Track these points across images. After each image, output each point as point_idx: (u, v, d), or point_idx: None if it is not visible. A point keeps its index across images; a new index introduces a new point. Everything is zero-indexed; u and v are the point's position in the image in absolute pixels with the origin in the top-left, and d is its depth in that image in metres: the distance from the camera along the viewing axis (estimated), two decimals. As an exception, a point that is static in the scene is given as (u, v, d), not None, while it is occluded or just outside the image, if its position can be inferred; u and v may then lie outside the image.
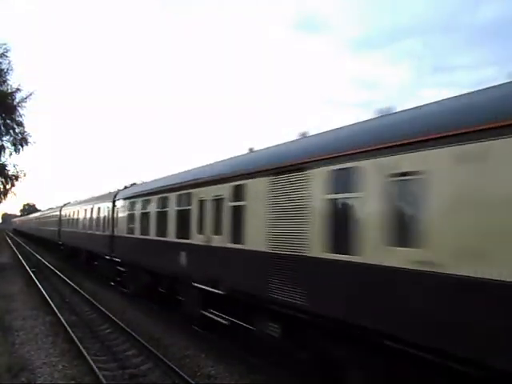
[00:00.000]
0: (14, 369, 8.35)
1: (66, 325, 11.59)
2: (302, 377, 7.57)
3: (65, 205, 33.31)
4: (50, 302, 14.73)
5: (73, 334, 10.67)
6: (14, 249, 42.58)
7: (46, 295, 15.92)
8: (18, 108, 28.96)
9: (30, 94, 29.23)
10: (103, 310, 13.59)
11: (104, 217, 19.55)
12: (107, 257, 18.41)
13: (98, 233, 20.39)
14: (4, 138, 29.17)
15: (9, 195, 33.58)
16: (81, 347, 9.66)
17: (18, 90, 28.69)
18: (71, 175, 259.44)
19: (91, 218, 22.05)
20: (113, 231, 17.98)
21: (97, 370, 8.22)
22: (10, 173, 31.14)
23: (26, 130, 29.65)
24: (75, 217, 26.70)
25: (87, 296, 16.01)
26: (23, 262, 28.55)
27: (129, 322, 12.29)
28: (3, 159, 30.08)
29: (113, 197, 18.77)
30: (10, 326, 11.83)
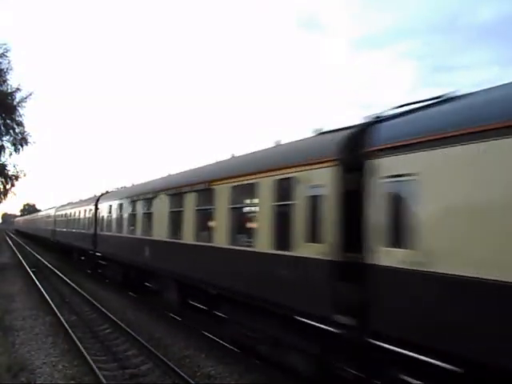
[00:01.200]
0: (13, 369, 8.35)
1: (66, 325, 11.60)
2: (301, 377, 7.55)
3: (102, 195, 21.79)
4: (50, 301, 14.73)
5: (73, 334, 10.67)
6: (14, 249, 42.61)
7: (45, 295, 15.93)
8: (18, 108, 29.01)
9: (30, 94, 29.29)
10: (103, 310, 13.59)
11: (313, 211, 6.77)
12: (325, 327, 6.29)
13: (245, 249, 8.58)
14: (4, 138, 29.22)
15: (9, 195, 33.61)
16: (81, 347, 9.67)
17: (17, 89, 28.75)
18: (71, 175, 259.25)
19: (208, 215, 10.12)
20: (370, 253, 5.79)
21: (97, 370, 8.23)
22: (10, 173, 31.17)
23: (25, 129, 29.71)
24: (140, 211, 14.61)
25: (87, 296, 16.01)
26: (23, 261, 28.56)
27: (129, 322, 12.30)
28: (3, 159, 30.12)
29: (338, 148, 6.48)
30: (10, 326, 11.83)
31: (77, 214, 26.18)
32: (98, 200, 21.45)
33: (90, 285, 19.63)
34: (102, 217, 19.85)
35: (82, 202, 26.62)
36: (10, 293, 17.01)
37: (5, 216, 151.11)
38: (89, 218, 22.54)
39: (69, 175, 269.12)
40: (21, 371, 8.35)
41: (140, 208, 14.65)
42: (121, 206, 17.01)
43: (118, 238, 16.85)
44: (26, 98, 29.04)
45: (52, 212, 38.90)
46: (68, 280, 20.26)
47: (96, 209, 21.16)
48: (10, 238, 72.17)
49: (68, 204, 32.42)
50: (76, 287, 18.24)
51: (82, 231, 23.74)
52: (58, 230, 32.96)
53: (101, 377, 7.95)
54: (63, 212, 32.02)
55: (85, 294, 16.38)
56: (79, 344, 9.89)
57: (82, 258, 24.51)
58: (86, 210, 23.70)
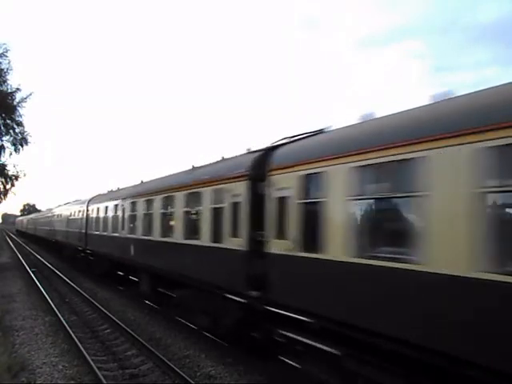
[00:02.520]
0: (13, 369, 8.34)
1: (66, 325, 11.60)
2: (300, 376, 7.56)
3: (223, 161, 10.54)
4: (50, 302, 14.73)
5: (73, 334, 10.67)
6: (14, 249, 42.60)
7: (45, 295, 15.92)
8: (18, 108, 28.94)
9: (30, 94, 29.24)
10: (103, 310, 13.59)
11: None
12: None
13: None
14: (4, 138, 29.11)
15: (9, 195, 33.45)
16: (81, 347, 9.67)
17: (17, 89, 28.69)
18: (71, 175, 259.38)
19: None
20: None
21: (97, 370, 8.23)
22: (10, 173, 31.07)
23: (25, 129, 29.65)
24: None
25: (87, 296, 16.01)
26: (23, 261, 28.56)
27: (129, 322, 12.31)
28: (3, 159, 30.01)
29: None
30: (10, 326, 11.83)
31: (156, 208, 13.30)
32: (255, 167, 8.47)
33: (90, 285, 19.63)
34: (305, 213, 6.96)
35: (175, 178, 12.90)
36: (10, 293, 17.02)
37: (5, 216, 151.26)
38: (226, 209, 9.16)
39: (69, 175, 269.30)
40: (21, 371, 8.35)
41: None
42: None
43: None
44: (25, 98, 29.00)
45: (79, 207, 25.27)
46: (68, 280, 20.27)
47: (255, 191, 8.34)
48: (11, 238, 72.11)
49: (115, 191, 20.27)
50: (76, 287, 18.25)
51: (191, 243, 10.65)
52: (96, 233, 20.50)
53: (101, 377, 7.94)
54: (108, 205, 19.04)
55: (85, 294, 16.38)
56: (79, 344, 9.89)
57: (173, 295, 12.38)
58: (205, 195, 10.13)
